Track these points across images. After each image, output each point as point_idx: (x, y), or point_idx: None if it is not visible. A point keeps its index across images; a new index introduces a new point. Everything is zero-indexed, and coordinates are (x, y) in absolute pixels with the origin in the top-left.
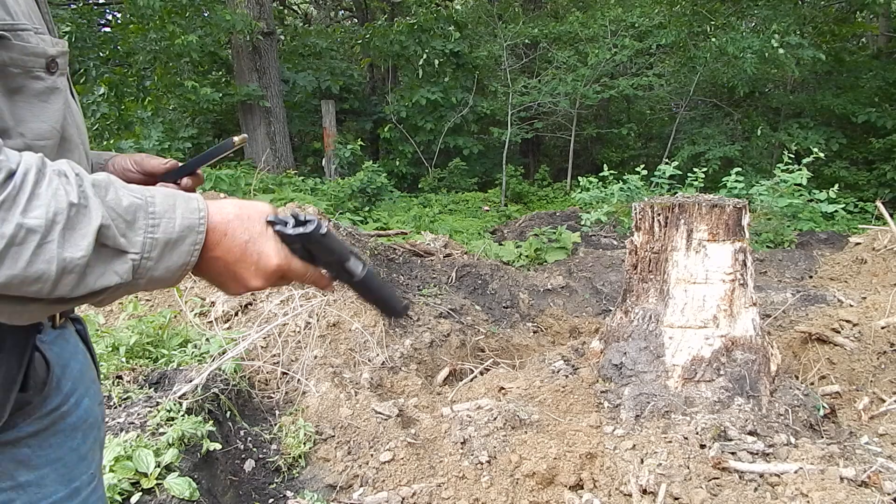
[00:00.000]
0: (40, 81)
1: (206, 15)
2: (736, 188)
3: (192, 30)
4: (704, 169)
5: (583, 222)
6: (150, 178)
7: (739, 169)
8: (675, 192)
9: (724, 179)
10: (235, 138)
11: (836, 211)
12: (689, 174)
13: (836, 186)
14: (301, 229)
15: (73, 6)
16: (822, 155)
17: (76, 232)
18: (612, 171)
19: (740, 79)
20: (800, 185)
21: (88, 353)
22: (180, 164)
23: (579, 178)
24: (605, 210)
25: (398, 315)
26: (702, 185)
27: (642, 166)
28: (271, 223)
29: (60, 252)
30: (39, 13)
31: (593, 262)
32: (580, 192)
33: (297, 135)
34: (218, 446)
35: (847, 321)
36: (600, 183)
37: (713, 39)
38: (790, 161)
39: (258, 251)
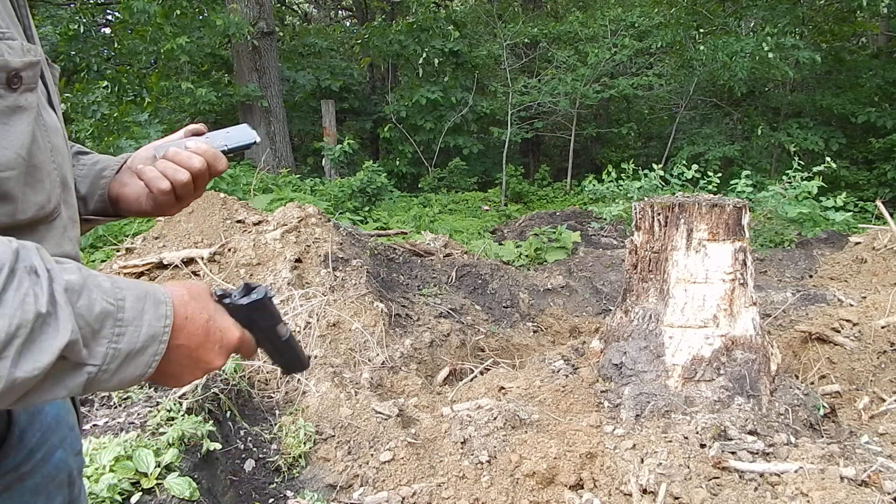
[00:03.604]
0: None
1: (201, 18)
2: (745, 192)
3: (188, 32)
4: (719, 174)
5: (602, 215)
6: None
7: (749, 172)
8: (676, 193)
9: (732, 183)
10: (258, 138)
11: (843, 219)
12: (704, 177)
13: (844, 195)
14: (253, 296)
15: (71, 5)
16: (833, 166)
17: (37, 347)
18: (633, 167)
19: (736, 80)
20: (809, 193)
21: None
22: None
23: (600, 173)
24: (622, 206)
25: (301, 370)
26: (715, 189)
27: (660, 165)
28: (219, 298)
29: (13, 371)
30: (12, 12)
31: (593, 261)
32: (589, 183)
33: (297, 134)
34: (218, 446)
35: (847, 321)
36: (614, 177)
37: (701, 47)
38: (800, 168)
39: (219, 328)
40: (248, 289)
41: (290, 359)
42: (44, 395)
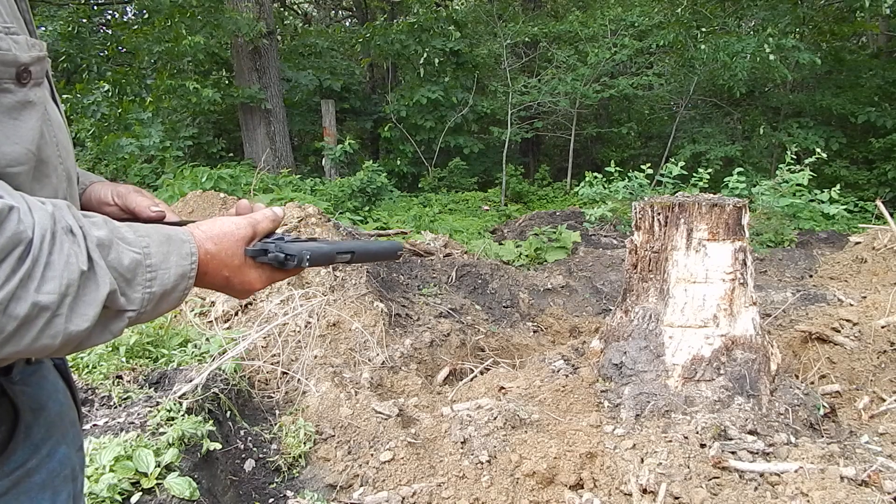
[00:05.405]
0: (8, 95)
1: (212, 17)
2: (738, 188)
3: (198, 30)
4: (709, 170)
5: (586, 218)
6: (128, 215)
7: (741, 169)
8: (676, 192)
9: (725, 179)
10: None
11: (837, 212)
12: (693, 174)
13: (839, 187)
14: (289, 265)
15: (72, 5)
16: (824, 156)
17: (83, 301)
18: (617, 168)
19: (736, 81)
20: (801, 185)
21: (69, 390)
22: (168, 214)
23: (586, 174)
24: (608, 207)
25: (393, 259)
26: (706, 185)
27: (648, 165)
28: (253, 256)
29: (67, 326)
30: (14, 6)
31: (593, 261)
32: (583, 188)
33: (297, 134)
34: (218, 446)
35: (847, 320)
36: (604, 179)
37: (702, 47)
38: (793, 161)
39: (240, 281)
40: (279, 257)
41: (372, 260)
42: (92, 341)
